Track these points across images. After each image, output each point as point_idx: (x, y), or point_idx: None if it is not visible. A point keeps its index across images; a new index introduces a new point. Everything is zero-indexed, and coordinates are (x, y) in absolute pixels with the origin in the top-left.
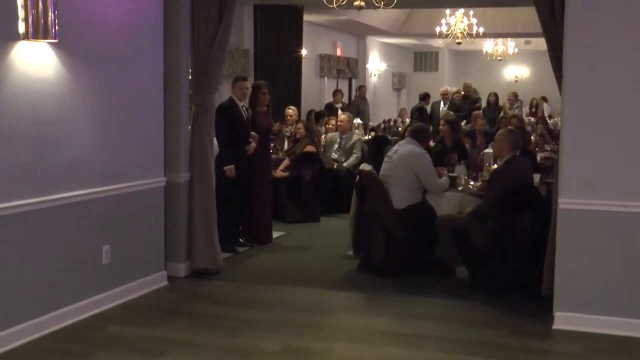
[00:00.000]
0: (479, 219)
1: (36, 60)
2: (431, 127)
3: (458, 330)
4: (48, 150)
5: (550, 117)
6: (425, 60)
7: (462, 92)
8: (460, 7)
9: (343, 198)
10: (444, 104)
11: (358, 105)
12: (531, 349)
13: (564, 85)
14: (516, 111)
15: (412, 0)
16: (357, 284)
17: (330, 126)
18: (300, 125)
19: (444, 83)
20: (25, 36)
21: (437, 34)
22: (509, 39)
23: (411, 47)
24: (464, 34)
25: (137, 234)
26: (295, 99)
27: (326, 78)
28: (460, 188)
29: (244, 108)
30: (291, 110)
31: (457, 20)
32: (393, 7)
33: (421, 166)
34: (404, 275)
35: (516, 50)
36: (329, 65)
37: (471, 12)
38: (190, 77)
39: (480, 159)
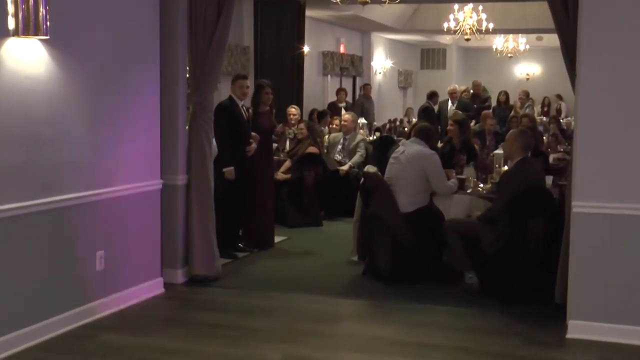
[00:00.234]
0: (488, 223)
1: (26, 58)
2: (439, 127)
3: (467, 340)
4: (39, 152)
5: (567, 116)
6: (432, 57)
7: (471, 91)
8: (469, 1)
9: (347, 201)
10: (452, 103)
11: (362, 105)
12: None
13: (577, 83)
14: (527, 110)
15: None
16: (362, 291)
17: (333, 126)
18: (302, 125)
19: (452, 81)
20: (15, 32)
21: (445, 30)
22: (519, 34)
23: (418, 44)
24: (472, 30)
25: (133, 239)
26: (297, 98)
27: (329, 76)
28: (469, 191)
29: (244, 107)
30: (294, 110)
31: (465, 16)
32: (399, 2)
33: (431, 167)
34: (410, 281)
35: (527, 46)
36: (332, 62)
37: (480, 7)
38: (187, 75)
39: (490, 160)
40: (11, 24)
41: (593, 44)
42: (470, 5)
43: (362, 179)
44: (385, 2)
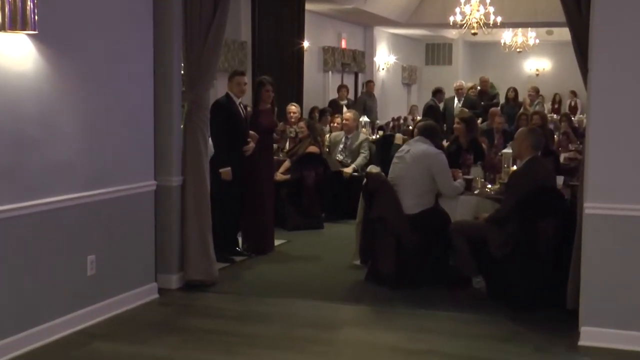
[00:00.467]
0: (497, 225)
1: (13, 53)
2: (445, 126)
3: (474, 347)
4: (27, 152)
5: (583, 113)
6: (437, 52)
7: (479, 87)
8: None
9: (349, 202)
10: (459, 100)
11: (365, 102)
12: None
13: (589, 79)
14: (537, 107)
15: None
16: (364, 296)
17: (334, 125)
18: (302, 124)
19: (458, 77)
20: (2, 27)
21: (451, 23)
22: (529, 28)
23: (422, 39)
24: (480, 24)
25: (125, 242)
26: (297, 96)
27: (330, 72)
28: (476, 192)
29: (242, 105)
30: (294, 108)
31: (472, 9)
32: None
33: (437, 167)
34: (415, 286)
35: (537, 41)
36: (333, 58)
37: (488, 0)
38: (182, 72)
39: (498, 159)
40: None
41: (606, 38)
42: None
43: (365, 180)
44: None
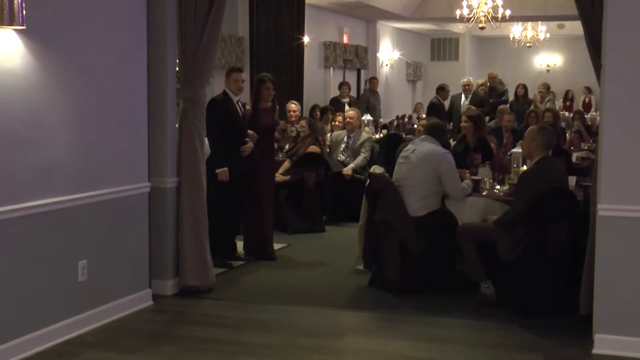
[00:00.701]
0: (506, 228)
1: (0, 49)
2: (451, 124)
3: (483, 356)
4: (15, 152)
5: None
6: (444, 47)
7: (487, 84)
8: None
9: (351, 205)
10: (466, 98)
11: (368, 100)
12: None
13: (603, 75)
14: (548, 105)
15: None
16: (368, 302)
17: (336, 123)
18: (303, 122)
19: (465, 74)
20: None
21: (458, 17)
22: (539, 22)
23: (428, 33)
24: (488, 18)
25: (118, 247)
26: (297, 93)
27: (331, 69)
28: (484, 193)
29: (239, 103)
30: (294, 106)
31: (480, 2)
32: None
33: (444, 168)
34: (420, 292)
35: (548, 35)
36: (335, 54)
37: None
38: (177, 69)
39: (507, 159)
40: None
41: (620, 31)
42: None
43: (368, 181)
44: None
